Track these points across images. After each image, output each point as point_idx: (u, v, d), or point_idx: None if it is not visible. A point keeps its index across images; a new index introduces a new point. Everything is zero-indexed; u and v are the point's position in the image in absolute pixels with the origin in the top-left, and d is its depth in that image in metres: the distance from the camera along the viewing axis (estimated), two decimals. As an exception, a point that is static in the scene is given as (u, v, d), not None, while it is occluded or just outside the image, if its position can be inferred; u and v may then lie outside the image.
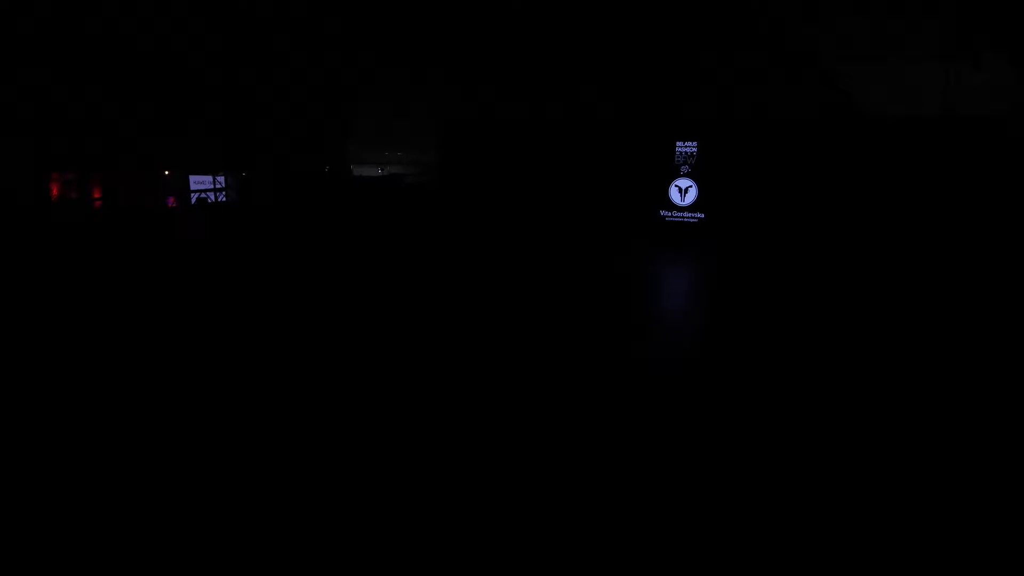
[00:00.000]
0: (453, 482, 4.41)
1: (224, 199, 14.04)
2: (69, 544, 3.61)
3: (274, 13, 13.79)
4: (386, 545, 3.68)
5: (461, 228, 15.84)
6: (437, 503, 4.09)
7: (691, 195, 21.18)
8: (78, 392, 6.02)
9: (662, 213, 21.25)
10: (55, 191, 12.51)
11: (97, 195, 12.93)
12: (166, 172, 14.86)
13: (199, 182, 14.62)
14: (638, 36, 12.63)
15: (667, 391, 6.36)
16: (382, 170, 24.84)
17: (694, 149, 20.89)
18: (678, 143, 21.00)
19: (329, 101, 15.96)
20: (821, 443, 5.45)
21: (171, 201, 13.88)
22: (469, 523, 3.81)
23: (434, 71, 19.95)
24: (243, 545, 3.63)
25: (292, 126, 14.40)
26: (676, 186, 21.39)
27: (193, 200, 14.01)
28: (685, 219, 20.75)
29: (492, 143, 21.79)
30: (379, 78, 18.37)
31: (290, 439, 5.02)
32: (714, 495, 4.51)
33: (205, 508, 4.02)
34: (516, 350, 7.31)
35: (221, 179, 14.64)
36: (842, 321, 9.00)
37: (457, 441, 5.03)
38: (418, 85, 20.36)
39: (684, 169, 21.24)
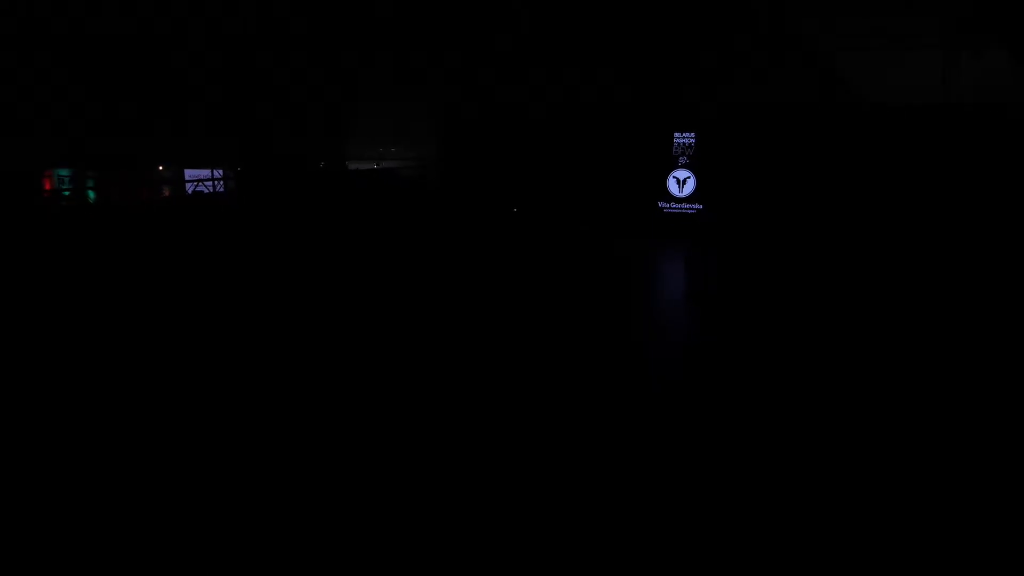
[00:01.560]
0: (446, 482, 4.33)
1: (222, 189, 13.95)
2: (60, 544, 3.51)
3: (271, 11, 13.67)
4: (377, 546, 3.59)
5: (457, 222, 15.75)
6: (430, 506, 4.01)
7: (689, 186, 21.14)
8: (74, 390, 5.90)
9: (660, 204, 21.20)
10: (47, 186, 12.37)
11: (92, 189, 12.80)
12: (160, 168, 14.80)
13: (195, 175, 14.54)
14: (636, 26, 12.57)
15: (665, 395, 6.29)
16: (377, 165, 24.74)
17: (692, 140, 20.85)
18: (675, 134, 20.95)
19: (325, 98, 15.84)
20: (821, 449, 5.37)
21: (166, 192, 13.86)
22: (462, 526, 3.73)
23: (433, 70, 19.87)
24: (238, 545, 3.54)
25: (288, 122, 14.27)
26: (674, 177, 21.35)
27: (189, 191, 13.93)
28: (684, 210, 20.72)
29: (490, 138, 21.72)
30: (376, 76, 18.28)
31: (282, 438, 4.93)
32: (712, 501, 4.44)
33: (198, 508, 3.93)
34: (512, 350, 7.23)
35: (219, 172, 14.55)
36: (845, 317, 8.90)
37: (451, 442, 4.94)
38: (416, 84, 20.26)
39: (682, 160, 21.20)
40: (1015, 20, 11.67)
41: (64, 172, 12.69)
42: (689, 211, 20.69)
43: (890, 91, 16.60)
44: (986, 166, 14.79)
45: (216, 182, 14.09)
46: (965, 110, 15.01)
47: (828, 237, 14.98)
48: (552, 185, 20.87)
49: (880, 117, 17.03)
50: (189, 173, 14.46)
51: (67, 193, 12.74)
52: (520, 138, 21.42)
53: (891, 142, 16.65)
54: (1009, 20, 11.65)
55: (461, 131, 22.32)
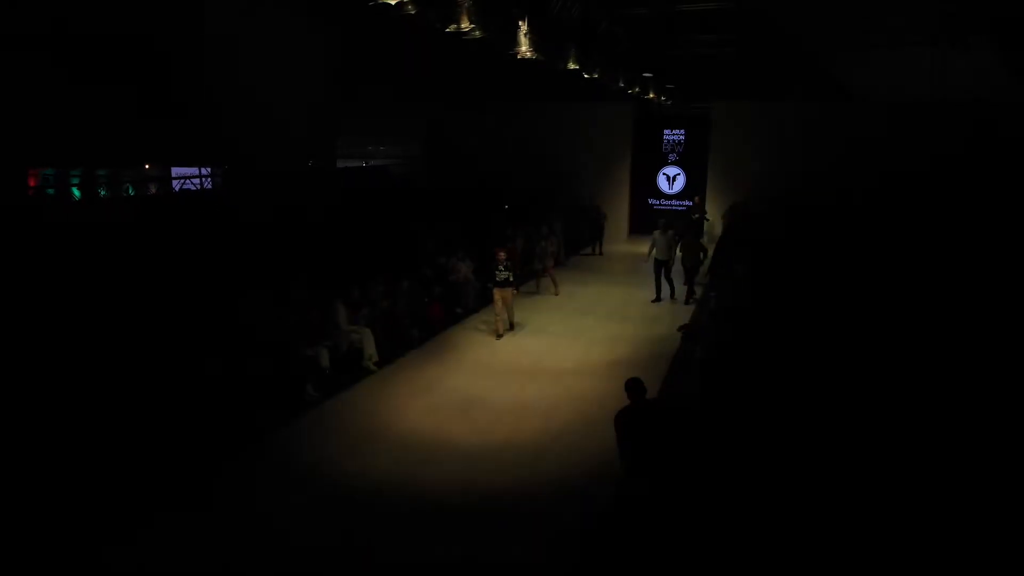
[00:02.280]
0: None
1: (210, 185, 13.89)
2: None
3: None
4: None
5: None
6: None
7: (679, 183, 21.18)
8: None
9: (650, 201, 21.24)
10: (32, 183, 12.29)
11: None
12: (147, 166, 14.72)
13: (182, 172, 14.49)
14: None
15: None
16: (366, 163, 24.67)
17: (682, 137, 20.86)
18: (666, 131, 20.97)
19: (315, 96, 15.77)
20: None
21: (152, 189, 13.82)
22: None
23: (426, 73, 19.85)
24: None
25: (276, 121, 14.20)
26: (664, 174, 21.37)
27: (176, 188, 13.87)
28: (673, 207, 20.74)
29: (476, 140, 21.72)
30: (367, 75, 18.25)
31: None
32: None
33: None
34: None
35: (206, 169, 14.48)
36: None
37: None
38: (405, 83, 20.24)
39: (672, 157, 21.23)
40: (1001, 15, 11.65)
41: (48, 172, 12.60)
42: (679, 207, 20.69)
43: (880, 87, 16.66)
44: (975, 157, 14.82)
45: (204, 179, 14.03)
46: (951, 105, 15.05)
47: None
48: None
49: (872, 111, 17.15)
50: (176, 171, 14.41)
51: (51, 191, 12.65)
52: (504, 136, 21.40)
53: (885, 134, 16.77)
54: (996, 15, 11.63)
55: (445, 130, 22.30)
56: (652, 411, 5.32)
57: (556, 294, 13.85)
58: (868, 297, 9.00)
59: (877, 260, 11.88)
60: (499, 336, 11.05)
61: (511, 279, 11.03)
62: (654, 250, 13.20)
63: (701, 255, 13.19)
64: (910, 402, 5.93)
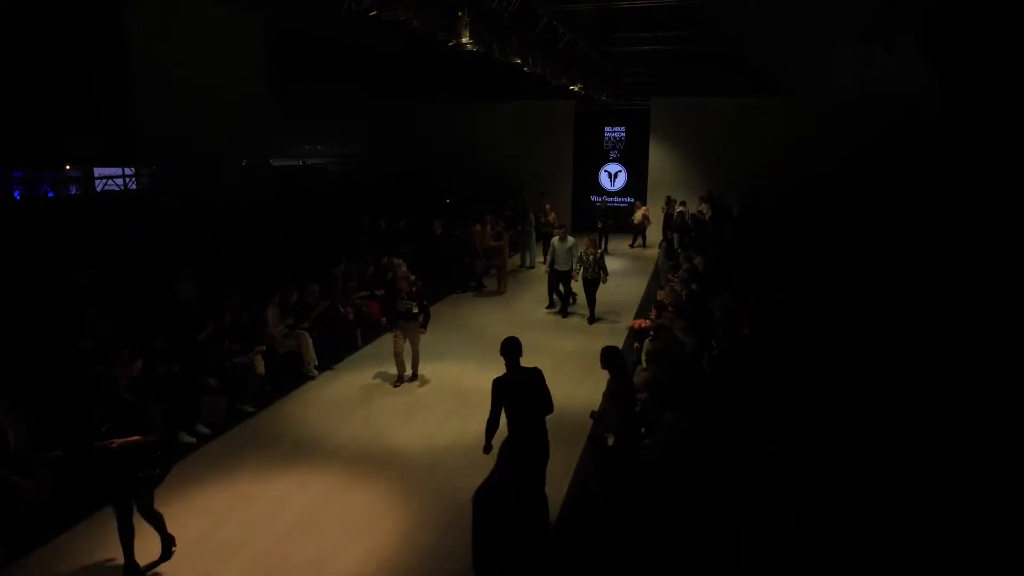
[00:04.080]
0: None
1: (134, 186, 13.25)
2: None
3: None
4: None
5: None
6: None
7: (620, 180, 21.28)
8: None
9: (593, 199, 21.27)
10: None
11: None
12: (67, 167, 14.05)
13: (104, 173, 13.88)
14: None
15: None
16: (303, 163, 24.08)
17: (622, 134, 20.95)
18: (606, 128, 21.04)
19: (248, 93, 15.24)
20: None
21: (73, 190, 13.16)
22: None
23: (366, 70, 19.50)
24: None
25: (210, 119, 13.65)
26: (606, 171, 21.44)
27: (99, 188, 13.21)
28: (615, 203, 20.83)
29: (418, 137, 21.46)
30: (304, 72, 17.88)
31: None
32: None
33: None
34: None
35: (130, 170, 13.84)
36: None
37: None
38: (344, 81, 19.87)
39: (613, 154, 21.31)
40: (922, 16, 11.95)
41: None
42: (620, 204, 20.80)
43: (812, 85, 17.03)
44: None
45: (128, 179, 13.37)
46: (878, 102, 15.47)
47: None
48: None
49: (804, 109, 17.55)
50: (99, 171, 13.84)
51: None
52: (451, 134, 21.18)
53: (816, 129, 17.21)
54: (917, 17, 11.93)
55: (387, 126, 21.95)
56: (522, 378, 5.23)
57: (502, 292, 13.77)
58: (822, 285, 9.16)
59: (821, 249, 12.14)
60: (398, 382, 8.83)
61: (415, 310, 8.63)
62: (552, 260, 11.66)
63: (601, 272, 11.42)
64: (851, 386, 5.98)
